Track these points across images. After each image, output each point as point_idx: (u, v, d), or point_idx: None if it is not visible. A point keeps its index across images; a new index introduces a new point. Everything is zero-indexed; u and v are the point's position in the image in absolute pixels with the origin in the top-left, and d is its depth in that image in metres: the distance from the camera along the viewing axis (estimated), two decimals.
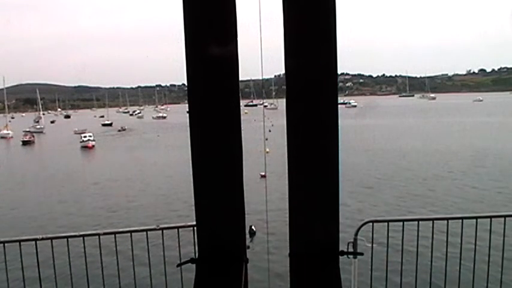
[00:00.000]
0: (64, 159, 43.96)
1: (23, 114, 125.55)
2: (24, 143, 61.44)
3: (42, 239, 4.45)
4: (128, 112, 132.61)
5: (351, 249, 4.07)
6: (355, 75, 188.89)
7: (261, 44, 3.44)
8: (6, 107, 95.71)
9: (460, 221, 4.60)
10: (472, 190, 24.67)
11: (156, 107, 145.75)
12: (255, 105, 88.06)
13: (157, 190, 28.07)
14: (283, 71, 3.09)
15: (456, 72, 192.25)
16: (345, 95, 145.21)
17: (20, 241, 4.53)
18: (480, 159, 33.26)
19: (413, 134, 52.34)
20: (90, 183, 31.18)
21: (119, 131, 75.75)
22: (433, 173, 29.61)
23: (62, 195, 28.03)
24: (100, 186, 30.44)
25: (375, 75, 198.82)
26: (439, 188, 25.60)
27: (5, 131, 72.84)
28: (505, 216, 4.65)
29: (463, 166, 31.34)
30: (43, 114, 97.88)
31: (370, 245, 4.30)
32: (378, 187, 25.82)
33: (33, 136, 64.97)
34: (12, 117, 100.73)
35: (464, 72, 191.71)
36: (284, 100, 3.19)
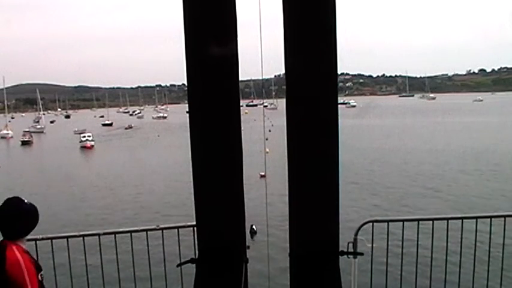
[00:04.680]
0: (59, 160, 43.49)
1: (23, 114, 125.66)
2: (23, 143, 61.46)
3: (42, 239, 4.44)
4: (128, 112, 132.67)
5: (351, 249, 4.06)
6: (355, 75, 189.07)
7: (261, 44, 3.44)
8: (6, 107, 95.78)
9: (460, 221, 4.60)
10: (428, 192, 24.26)
11: (156, 107, 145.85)
12: (255, 105, 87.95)
13: (147, 197, 26.70)
14: (283, 71, 3.09)
15: (456, 72, 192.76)
16: (345, 95, 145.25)
17: None
18: (465, 161, 33.18)
19: (406, 134, 52.26)
20: (75, 188, 29.96)
21: (126, 128, 78.05)
22: (407, 174, 29.39)
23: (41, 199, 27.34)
24: (83, 191, 29.08)
25: (375, 75, 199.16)
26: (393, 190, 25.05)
27: (5, 131, 72.88)
28: (505, 216, 4.65)
29: (441, 167, 31.19)
30: (43, 114, 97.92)
31: (370, 245, 4.29)
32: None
33: (31, 136, 64.98)
34: (12, 117, 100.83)
35: (464, 72, 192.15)
36: (284, 100, 3.18)
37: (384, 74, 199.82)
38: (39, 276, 2.98)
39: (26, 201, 3.04)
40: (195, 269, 3.37)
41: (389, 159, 35.17)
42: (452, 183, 25.97)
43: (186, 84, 3.10)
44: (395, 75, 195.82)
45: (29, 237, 4.52)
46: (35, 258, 3.15)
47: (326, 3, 2.99)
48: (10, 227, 2.97)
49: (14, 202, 3.01)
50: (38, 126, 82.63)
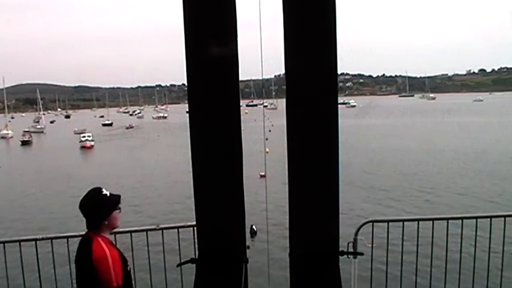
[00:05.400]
0: (59, 160, 43.32)
1: (23, 114, 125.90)
2: (23, 143, 61.50)
3: (42, 239, 4.44)
4: (128, 112, 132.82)
5: (351, 249, 4.05)
6: (355, 75, 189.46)
7: (261, 44, 3.43)
8: (6, 107, 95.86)
9: (460, 221, 4.60)
10: (426, 192, 24.16)
11: (156, 107, 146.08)
12: (255, 105, 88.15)
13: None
14: (283, 71, 3.09)
15: (456, 72, 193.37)
16: (345, 95, 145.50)
17: (20, 241, 4.52)
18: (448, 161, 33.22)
19: (406, 134, 52.19)
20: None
21: (127, 128, 78.71)
22: (405, 175, 29.27)
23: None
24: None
25: (375, 75, 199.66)
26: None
27: (5, 131, 72.94)
28: (505, 216, 4.65)
29: (440, 168, 31.10)
30: (43, 114, 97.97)
31: (370, 245, 4.29)
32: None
33: (31, 136, 65.06)
34: (12, 117, 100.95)
35: (464, 72, 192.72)
36: (284, 100, 3.18)
37: (384, 74, 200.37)
38: (127, 268, 3.01)
39: (105, 191, 3.02)
40: (195, 269, 3.37)
41: (388, 159, 35.18)
42: (450, 184, 25.97)
43: (186, 84, 3.10)
44: (395, 75, 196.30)
45: (29, 237, 4.56)
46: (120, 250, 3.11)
47: (326, 3, 2.99)
48: (92, 219, 2.97)
49: (94, 193, 3.00)
50: (38, 126, 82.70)
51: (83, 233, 4.59)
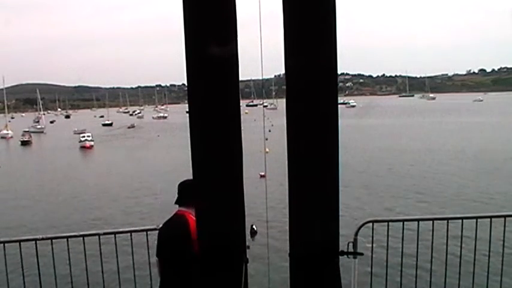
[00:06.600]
0: (58, 160, 43.39)
1: (23, 114, 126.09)
2: (23, 143, 61.55)
3: (42, 239, 4.45)
4: (128, 112, 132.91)
5: (351, 249, 4.05)
6: (355, 75, 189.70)
7: (261, 44, 3.43)
8: (6, 107, 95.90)
9: (460, 221, 4.60)
10: (424, 193, 24.01)
11: (156, 107, 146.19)
12: (255, 105, 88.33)
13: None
14: (283, 71, 3.08)
15: (456, 72, 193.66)
16: (345, 95, 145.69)
17: (20, 241, 4.53)
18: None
19: (405, 134, 52.14)
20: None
21: (128, 128, 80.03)
22: (404, 175, 29.28)
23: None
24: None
25: (375, 75, 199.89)
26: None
27: (5, 131, 73.00)
28: (505, 216, 4.65)
29: (438, 168, 31.17)
30: (43, 114, 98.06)
31: (369, 245, 4.29)
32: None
33: (31, 136, 65.16)
34: (12, 117, 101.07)
35: (464, 72, 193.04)
36: (284, 100, 3.18)
37: (384, 74, 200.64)
38: None
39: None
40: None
41: (388, 159, 35.20)
42: (450, 184, 26.00)
43: (186, 84, 3.10)
44: (395, 75, 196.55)
45: (29, 237, 4.57)
46: None
47: (326, 3, 2.99)
48: (188, 197, 3.60)
49: (186, 181, 3.69)
50: (38, 126, 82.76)
51: (83, 233, 4.66)
